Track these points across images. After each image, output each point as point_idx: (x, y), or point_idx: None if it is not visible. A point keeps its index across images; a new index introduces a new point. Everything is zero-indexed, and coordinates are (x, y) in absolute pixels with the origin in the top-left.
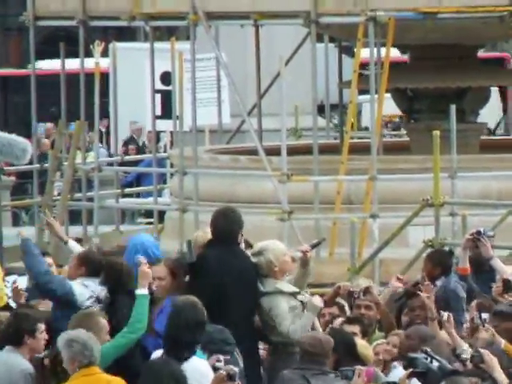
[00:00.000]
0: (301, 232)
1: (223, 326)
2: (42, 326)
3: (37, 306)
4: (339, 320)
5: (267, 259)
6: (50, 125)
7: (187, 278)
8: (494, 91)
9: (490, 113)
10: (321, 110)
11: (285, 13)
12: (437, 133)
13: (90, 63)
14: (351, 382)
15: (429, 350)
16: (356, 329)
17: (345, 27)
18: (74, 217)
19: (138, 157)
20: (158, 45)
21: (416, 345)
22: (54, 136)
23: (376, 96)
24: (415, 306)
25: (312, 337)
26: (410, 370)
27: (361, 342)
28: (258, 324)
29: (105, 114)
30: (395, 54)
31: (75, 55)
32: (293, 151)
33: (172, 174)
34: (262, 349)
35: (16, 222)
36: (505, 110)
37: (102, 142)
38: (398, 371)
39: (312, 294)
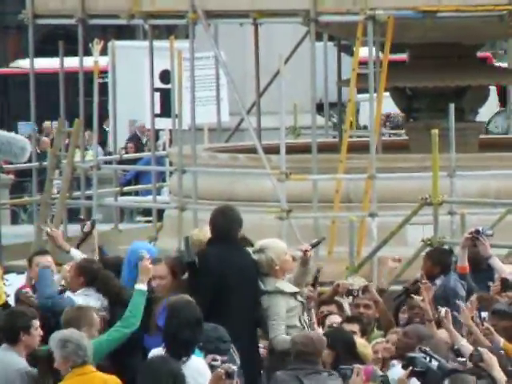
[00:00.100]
0: (299, 231)
1: (224, 324)
2: (36, 323)
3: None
4: (332, 317)
5: (268, 257)
6: (48, 123)
7: (186, 276)
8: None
9: (488, 111)
10: (320, 108)
11: (284, 11)
12: (436, 131)
13: (88, 62)
14: (350, 381)
15: (428, 349)
16: (355, 328)
17: (344, 26)
18: (73, 215)
19: (137, 155)
20: (157, 43)
21: (413, 344)
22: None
23: (375, 95)
24: (414, 305)
25: (304, 336)
26: (410, 369)
27: (360, 341)
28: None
29: (105, 112)
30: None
31: (74, 53)
32: (292, 150)
33: (171, 173)
34: (263, 347)
35: (15, 220)
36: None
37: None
38: (397, 369)
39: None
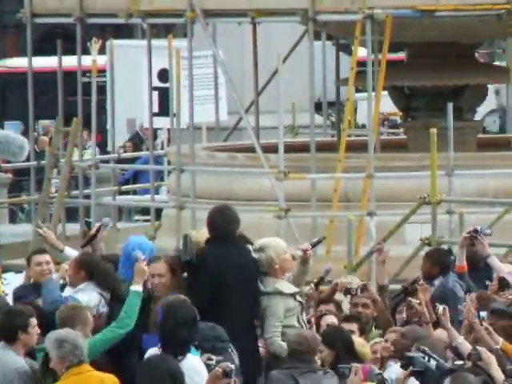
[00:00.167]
0: (298, 230)
1: (223, 323)
2: (34, 321)
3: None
4: (328, 317)
5: (268, 256)
6: (47, 122)
7: (185, 274)
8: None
9: (484, 109)
10: (318, 107)
11: (282, 10)
12: (434, 131)
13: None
14: (348, 380)
15: (426, 349)
16: (354, 327)
17: (342, 25)
18: (71, 214)
19: (136, 154)
20: (155, 42)
21: (411, 345)
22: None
23: (373, 94)
24: (412, 304)
25: (298, 335)
26: (410, 369)
27: (358, 340)
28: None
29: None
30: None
31: (72, 52)
32: (290, 149)
33: (169, 172)
34: (262, 346)
35: (13, 219)
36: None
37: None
38: (393, 369)
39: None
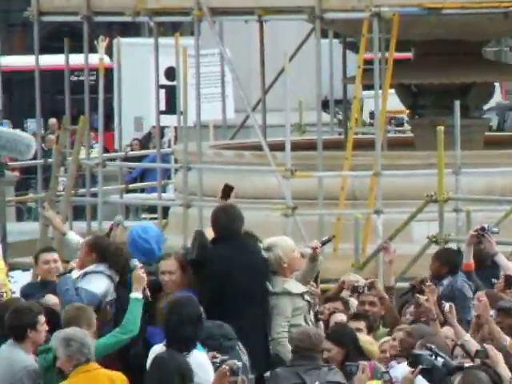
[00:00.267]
0: (305, 228)
1: (231, 322)
2: (42, 318)
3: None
4: (338, 315)
5: (276, 255)
6: (54, 120)
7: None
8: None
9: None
10: (325, 105)
11: (289, 8)
12: (441, 128)
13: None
14: (355, 378)
15: (433, 346)
16: (361, 325)
17: (349, 23)
18: (78, 212)
19: (143, 152)
20: (162, 40)
21: (420, 344)
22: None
23: (380, 91)
24: (420, 303)
25: (301, 332)
26: (419, 367)
27: (366, 338)
28: None
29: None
30: None
31: (79, 51)
32: (297, 147)
33: (176, 170)
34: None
35: (20, 217)
36: None
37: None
38: (398, 368)
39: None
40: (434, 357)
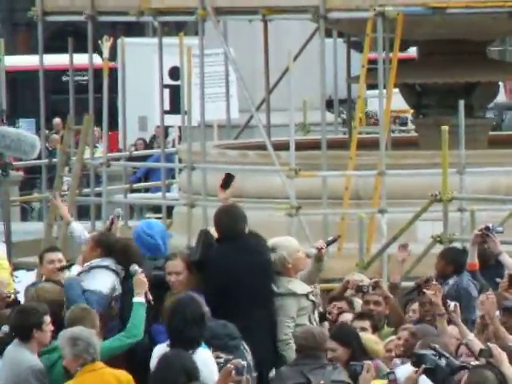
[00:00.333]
0: (309, 227)
1: (235, 321)
2: (48, 318)
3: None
4: (346, 315)
5: (280, 256)
6: (58, 120)
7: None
8: None
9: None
10: (329, 105)
11: (293, 8)
12: (445, 128)
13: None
14: (360, 377)
15: (437, 346)
16: (366, 324)
17: (353, 22)
18: (83, 212)
19: (147, 152)
20: (166, 40)
21: (421, 344)
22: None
23: (384, 91)
24: (425, 302)
25: (305, 330)
26: (423, 367)
27: (371, 337)
28: None
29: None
30: None
31: (83, 50)
32: (301, 146)
33: (180, 169)
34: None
35: (24, 217)
36: None
37: None
38: (402, 368)
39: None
40: (437, 356)
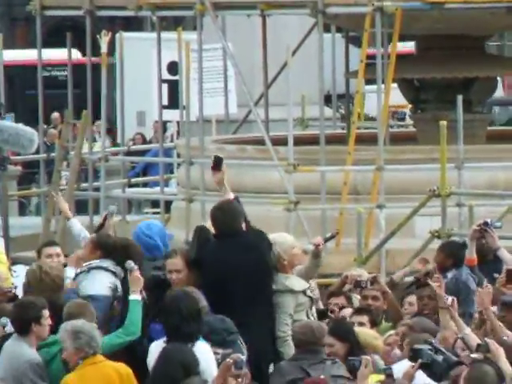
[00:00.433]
0: (307, 222)
1: (232, 317)
2: (46, 313)
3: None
4: (346, 310)
5: (275, 253)
6: (56, 114)
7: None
8: None
9: None
10: (328, 100)
11: (292, 3)
12: (444, 123)
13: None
14: (358, 372)
15: (434, 341)
16: (364, 319)
17: (352, 17)
18: (81, 206)
19: (145, 146)
20: (164, 35)
21: (411, 339)
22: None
23: (383, 86)
24: (424, 296)
25: (303, 325)
26: (419, 361)
27: (370, 332)
28: None
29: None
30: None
31: (82, 45)
32: (299, 141)
33: (179, 164)
34: None
35: (22, 211)
36: None
37: None
38: (400, 364)
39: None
40: (433, 351)
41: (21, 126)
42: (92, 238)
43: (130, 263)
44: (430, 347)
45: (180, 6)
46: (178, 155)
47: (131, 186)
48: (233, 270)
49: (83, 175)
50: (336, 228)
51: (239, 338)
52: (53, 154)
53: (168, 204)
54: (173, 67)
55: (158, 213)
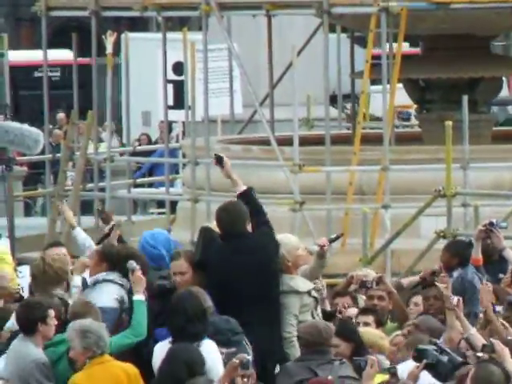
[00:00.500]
0: (312, 222)
1: (237, 317)
2: (52, 312)
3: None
4: (351, 310)
5: (280, 254)
6: (62, 115)
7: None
8: None
9: None
10: (333, 100)
11: (297, 3)
12: (449, 123)
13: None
14: (364, 372)
15: (438, 341)
16: (370, 319)
17: (357, 17)
18: (86, 207)
19: (151, 147)
20: (170, 35)
21: (413, 339)
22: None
23: (388, 86)
24: (430, 296)
25: (309, 325)
26: (424, 362)
27: (376, 332)
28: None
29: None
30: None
31: (87, 46)
32: (305, 141)
33: (184, 165)
34: None
35: (28, 212)
36: None
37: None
38: (405, 364)
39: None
40: (438, 352)
41: (26, 126)
42: (97, 251)
43: (132, 263)
44: (435, 347)
45: (185, 7)
46: (184, 155)
47: (137, 186)
48: (237, 270)
49: (89, 175)
50: (341, 228)
51: (244, 338)
52: (58, 155)
53: (173, 204)
54: (178, 67)
55: (163, 213)
